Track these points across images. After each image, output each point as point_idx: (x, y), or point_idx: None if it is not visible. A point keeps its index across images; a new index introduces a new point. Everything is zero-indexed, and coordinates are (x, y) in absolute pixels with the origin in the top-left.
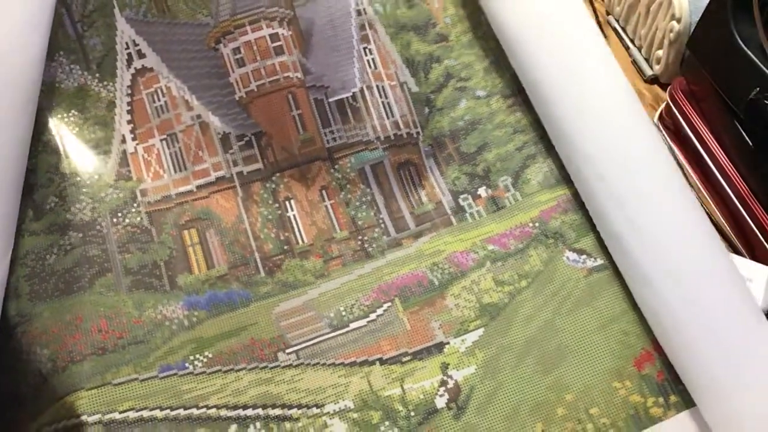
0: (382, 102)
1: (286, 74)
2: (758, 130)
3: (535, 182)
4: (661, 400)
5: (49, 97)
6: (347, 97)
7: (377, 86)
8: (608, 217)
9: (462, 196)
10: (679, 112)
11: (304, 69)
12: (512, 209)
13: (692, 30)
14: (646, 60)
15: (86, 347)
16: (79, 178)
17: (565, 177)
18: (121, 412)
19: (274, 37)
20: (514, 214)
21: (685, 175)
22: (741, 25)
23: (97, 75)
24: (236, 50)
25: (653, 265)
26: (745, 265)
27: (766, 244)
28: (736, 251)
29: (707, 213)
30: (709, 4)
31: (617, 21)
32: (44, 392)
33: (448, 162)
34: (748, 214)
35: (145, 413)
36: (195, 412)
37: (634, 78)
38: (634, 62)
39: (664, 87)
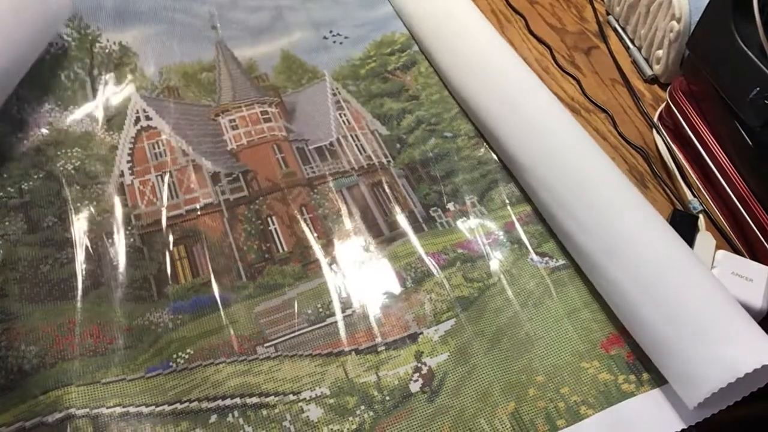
0: (356, 144)
1: (272, 133)
2: (758, 130)
3: (498, 200)
4: (632, 377)
5: (56, 136)
6: (325, 144)
7: (351, 135)
8: (560, 223)
9: (432, 209)
10: (679, 112)
11: (288, 130)
12: (479, 221)
13: (692, 30)
14: (646, 60)
15: (78, 348)
16: (78, 204)
17: (524, 198)
18: (108, 408)
19: (264, 112)
20: (482, 225)
21: (684, 175)
22: (741, 25)
23: (105, 126)
24: (232, 120)
25: (603, 257)
26: (745, 265)
27: (766, 244)
28: (736, 251)
29: (708, 211)
30: (709, 4)
31: (617, 21)
32: (20, 387)
33: (419, 181)
34: (748, 214)
35: (132, 409)
36: (178, 407)
37: (634, 78)
38: (634, 62)
39: (663, 87)
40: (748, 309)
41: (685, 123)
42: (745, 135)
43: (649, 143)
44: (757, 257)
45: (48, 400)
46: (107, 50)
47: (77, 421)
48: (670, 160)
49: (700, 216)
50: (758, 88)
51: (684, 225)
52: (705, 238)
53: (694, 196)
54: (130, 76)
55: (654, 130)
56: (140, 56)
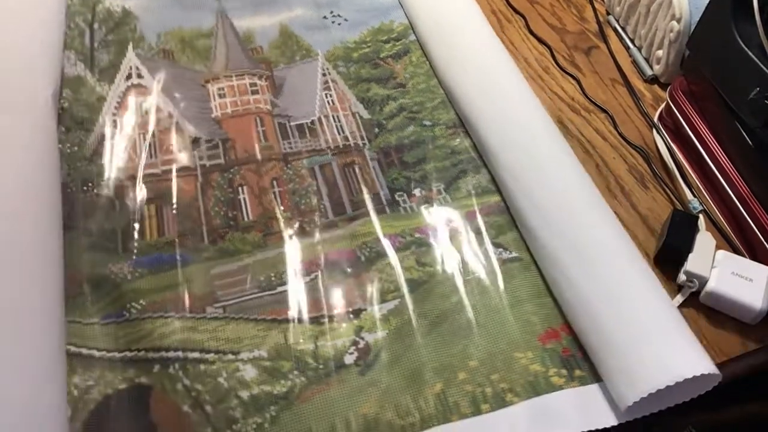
0: (336, 125)
1: (257, 105)
2: (758, 130)
3: (464, 190)
4: (563, 371)
5: None
6: (306, 122)
7: (333, 115)
8: (525, 215)
9: (398, 193)
10: (679, 112)
11: (273, 104)
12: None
13: (692, 30)
14: (646, 60)
15: None
16: (60, 146)
17: (490, 189)
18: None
19: (253, 84)
20: (443, 212)
21: (684, 175)
22: (741, 25)
23: (97, 76)
24: (220, 89)
25: (559, 248)
26: (745, 265)
27: (766, 244)
28: (736, 251)
29: (708, 211)
30: (709, 4)
31: (617, 21)
32: None
33: (390, 166)
34: (748, 214)
35: (84, 351)
36: (127, 354)
37: (634, 78)
38: (634, 62)
39: (664, 87)
40: (748, 309)
41: (685, 123)
42: (745, 135)
43: (649, 143)
44: (757, 257)
45: None
46: (109, 10)
47: None
48: (670, 160)
49: (700, 216)
50: (758, 88)
51: (684, 225)
52: (705, 238)
53: (694, 196)
54: (129, 35)
55: (654, 130)
56: (141, 19)
